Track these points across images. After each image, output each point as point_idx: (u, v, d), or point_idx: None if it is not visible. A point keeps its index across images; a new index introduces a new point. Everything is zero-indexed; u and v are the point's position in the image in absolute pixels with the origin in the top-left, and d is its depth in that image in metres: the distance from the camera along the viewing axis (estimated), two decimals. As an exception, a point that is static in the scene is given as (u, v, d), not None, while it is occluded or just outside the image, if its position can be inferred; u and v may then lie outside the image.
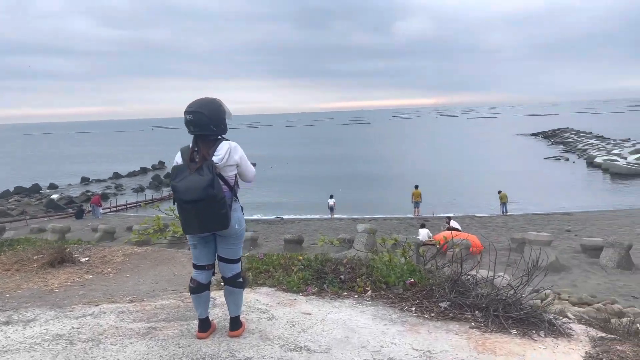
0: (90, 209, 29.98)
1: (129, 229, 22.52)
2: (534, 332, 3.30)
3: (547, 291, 9.22)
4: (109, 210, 32.15)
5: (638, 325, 8.05)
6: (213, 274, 3.52)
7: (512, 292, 3.74)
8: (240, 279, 3.45)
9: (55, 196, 38.10)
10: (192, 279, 3.47)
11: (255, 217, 29.39)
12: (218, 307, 4.07)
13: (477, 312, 3.59)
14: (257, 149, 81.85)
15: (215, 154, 3.23)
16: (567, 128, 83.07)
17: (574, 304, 10.68)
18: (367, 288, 4.36)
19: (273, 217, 28.84)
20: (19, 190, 40.93)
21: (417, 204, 26.73)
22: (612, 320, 8.79)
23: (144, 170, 55.57)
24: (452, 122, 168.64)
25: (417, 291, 4.20)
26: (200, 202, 3.06)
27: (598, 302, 10.93)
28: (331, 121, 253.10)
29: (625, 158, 42.90)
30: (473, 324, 3.47)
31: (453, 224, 19.70)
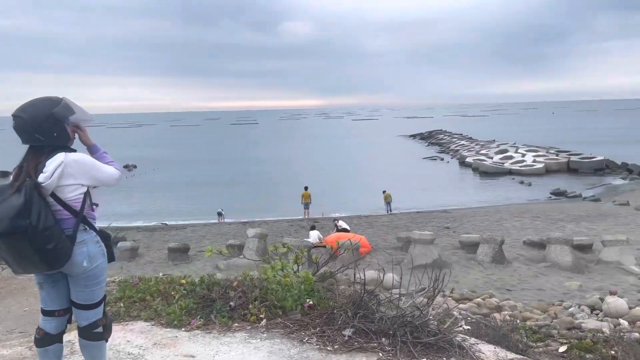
0: None
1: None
2: (444, 358, 3.05)
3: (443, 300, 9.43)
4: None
5: (517, 320, 8.51)
6: (69, 321, 2.77)
7: (417, 312, 3.48)
8: (99, 329, 2.70)
9: None
10: (38, 328, 2.70)
11: (136, 224, 27.32)
12: (77, 355, 3.29)
13: (383, 339, 3.27)
14: (139, 150, 77.10)
15: (43, 170, 2.46)
16: (441, 130, 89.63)
17: (457, 300, 11.11)
18: (261, 316, 3.85)
19: (156, 223, 27.06)
20: None
21: (307, 205, 26.74)
22: (494, 315, 9.23)
23: (4, 174, 49.33)
24: (338, 124, 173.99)
25: (317, 315, 3.79)
26: (8, 236, 2.30)
27: (478, 297, 11.53)
28: (218, 121, 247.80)
29: (492, 158, 47.18)
30: (381, 354, 3.13)
31: (342, 224, 19.90)
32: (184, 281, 4.57)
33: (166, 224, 26.23)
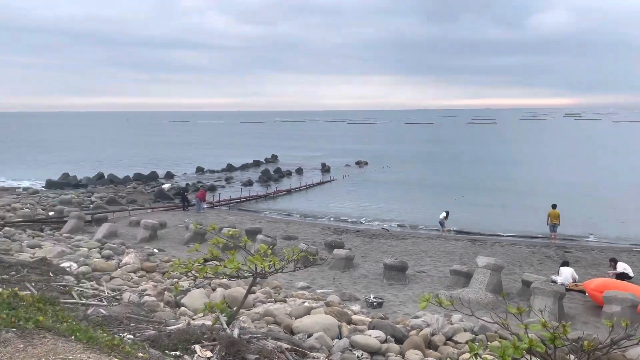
0: (194, 202, 29.29)
1: (220, 230, 20.82)
2: None
3: None
4: (211, 205, 31.28)
5: None
6: None
7: None
8: None
9: (166, 186, 38.42)
10: None
11: (357, 226, 26.43)
12: None
13: None
14: (372, 146, 78.80)
15: None
16: None
17: None
18: None
19: (377, 227, 25.67)
20: (137, 177, 42.06)
21: (553, 227, 21.70)
22: None
23: (257, 163, 55.34)
24: (594, 126, 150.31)
25: None
26: None
27: None
28: (453, 119, 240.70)
29: None
30: None
31: (621, 267, 14.69)
32: None
33: (387, 230, 24.57)
